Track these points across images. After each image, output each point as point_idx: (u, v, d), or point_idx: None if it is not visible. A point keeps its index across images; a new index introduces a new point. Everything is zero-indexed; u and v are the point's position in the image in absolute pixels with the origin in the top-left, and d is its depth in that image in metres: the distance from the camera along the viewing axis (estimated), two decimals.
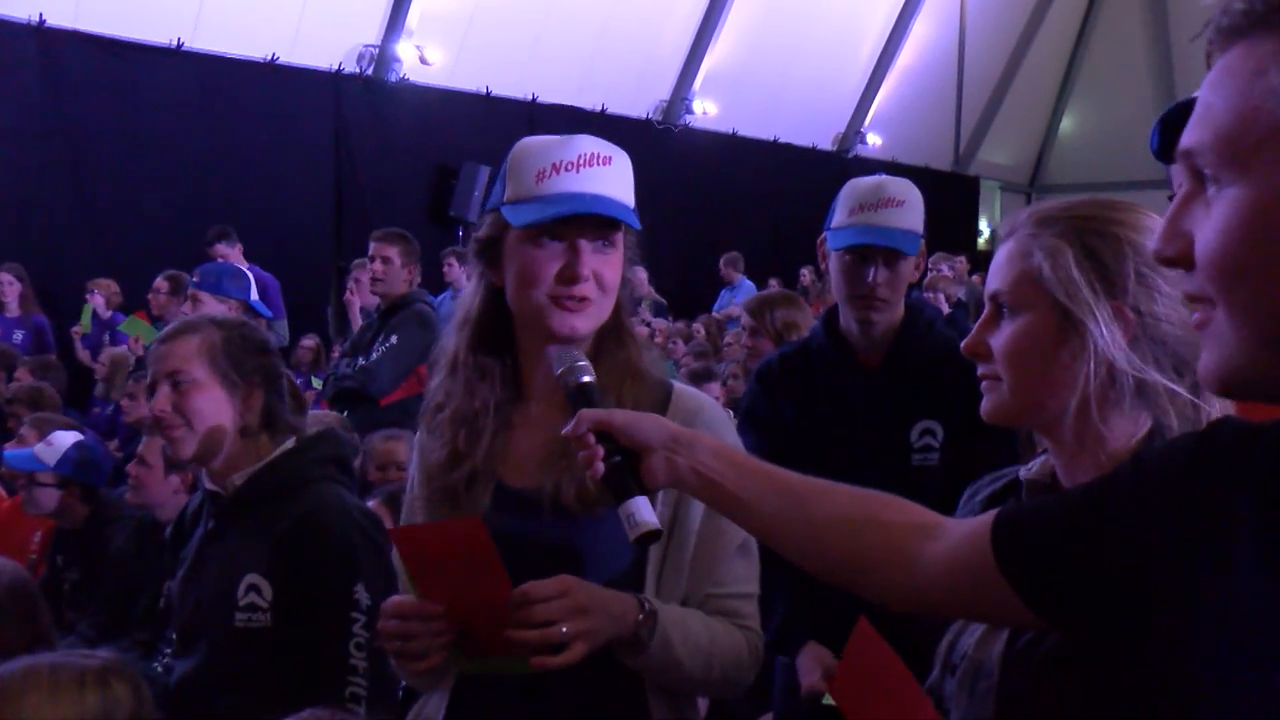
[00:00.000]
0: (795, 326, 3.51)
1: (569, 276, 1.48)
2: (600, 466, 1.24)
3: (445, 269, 7.80)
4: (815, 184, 13.94)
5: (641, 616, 1.42)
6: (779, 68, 13.37)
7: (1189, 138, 0.79)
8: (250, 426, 2.05)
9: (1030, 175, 19.87)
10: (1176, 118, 1.76)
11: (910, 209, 2.22)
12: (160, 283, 6.05)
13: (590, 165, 1.49)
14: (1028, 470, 1.32)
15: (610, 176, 1.50)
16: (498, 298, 1.56)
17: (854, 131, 15.61)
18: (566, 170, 1.48)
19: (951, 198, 16.07)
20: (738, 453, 1.26)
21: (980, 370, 1.24)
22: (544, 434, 1.54)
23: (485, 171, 10.25)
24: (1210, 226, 0.77)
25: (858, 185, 2.26)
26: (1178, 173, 1.82)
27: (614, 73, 11.89)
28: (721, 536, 1.52)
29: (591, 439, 1.25)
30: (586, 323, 1.51)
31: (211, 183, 9.10)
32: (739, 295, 9.88)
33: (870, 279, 2.19)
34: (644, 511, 1.24)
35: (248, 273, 4.36)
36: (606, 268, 1.52)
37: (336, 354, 7.50)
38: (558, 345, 1.41)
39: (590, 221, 1.48)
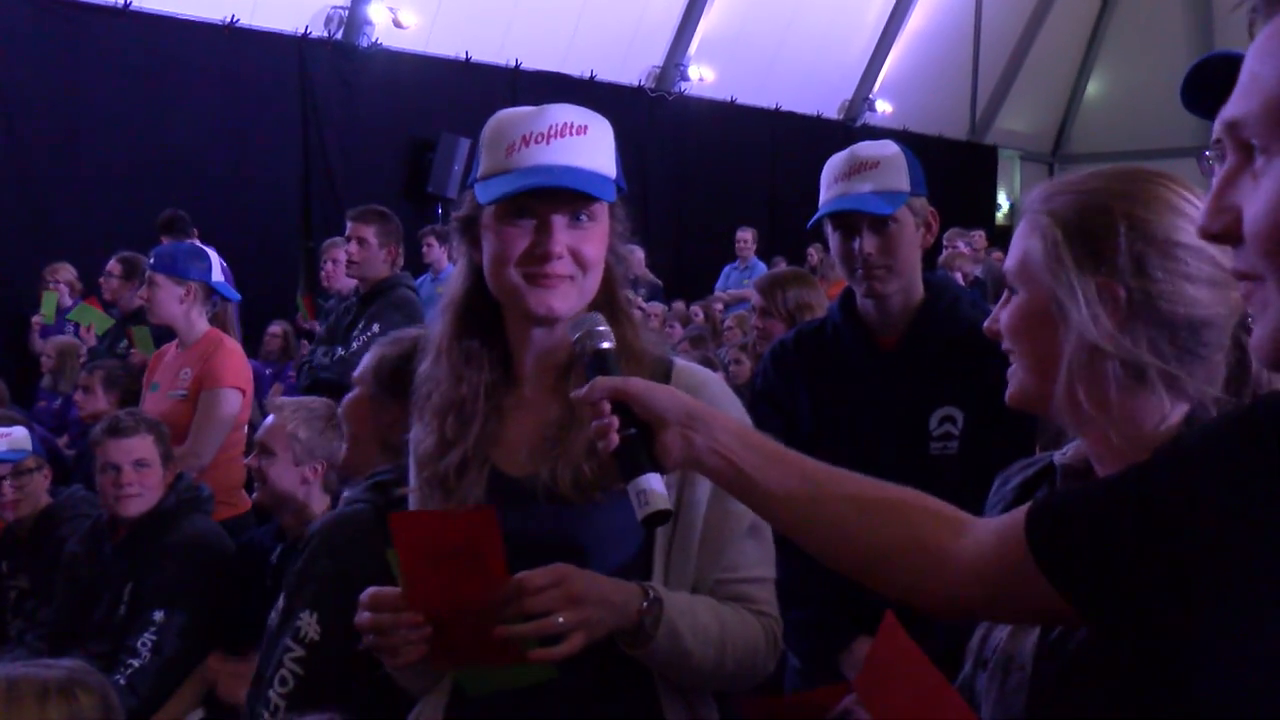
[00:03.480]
0: (808, 307, 3.54)
1: (540, 254, 1.50)
2: (615, 438, 1.25)
3: (424, 249, 7.78)
4: (820, 156, 13.66)
5: (645, 605, 1.45)
6: (780, 30, 13.37)
7: (1234, 108, 0.81)
8: None
9: (1053, 144, 19.89)
10: (1213, 68, 1.79)
11: (886, 169, 2.24)
12: (113, 266, 6.03)
13: (563, 135, 1.50)
14: (1062, 455, 1.35)
15: (584, 146, 1.52)
16: (481, 278, 1.59)
17: (862, 98, 15.61)
18: (536, 142, 1.50)
19: (968, 169, 16.12)
20: (756, 434, 1.27)
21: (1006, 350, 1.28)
22: (536, 419, 1.57)
23: (465, 144, 10.22)
24: (1260, 199, 0.78)
25: (834, 159, 2.32)
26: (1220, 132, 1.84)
27: (603, 37, 11.86)
28: (730, 518, 1.54)
29: (607, 407, 1.27)
30: (565, 302, 1.53)
31: (165, 158, 8.98)
32: (751, 275, 9.90)
33: (858, 248, 2.22)
34: (656, 489, 1.25)
35: (209, 251, 4.33)
36: (585, 243, 1.53)
37: (305, 343, 7.50)
38: (581, 314, 1.44)
39: (563, 195, 1.49)
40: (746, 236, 10.38)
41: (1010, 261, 1.26)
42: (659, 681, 1.54)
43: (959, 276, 7.78)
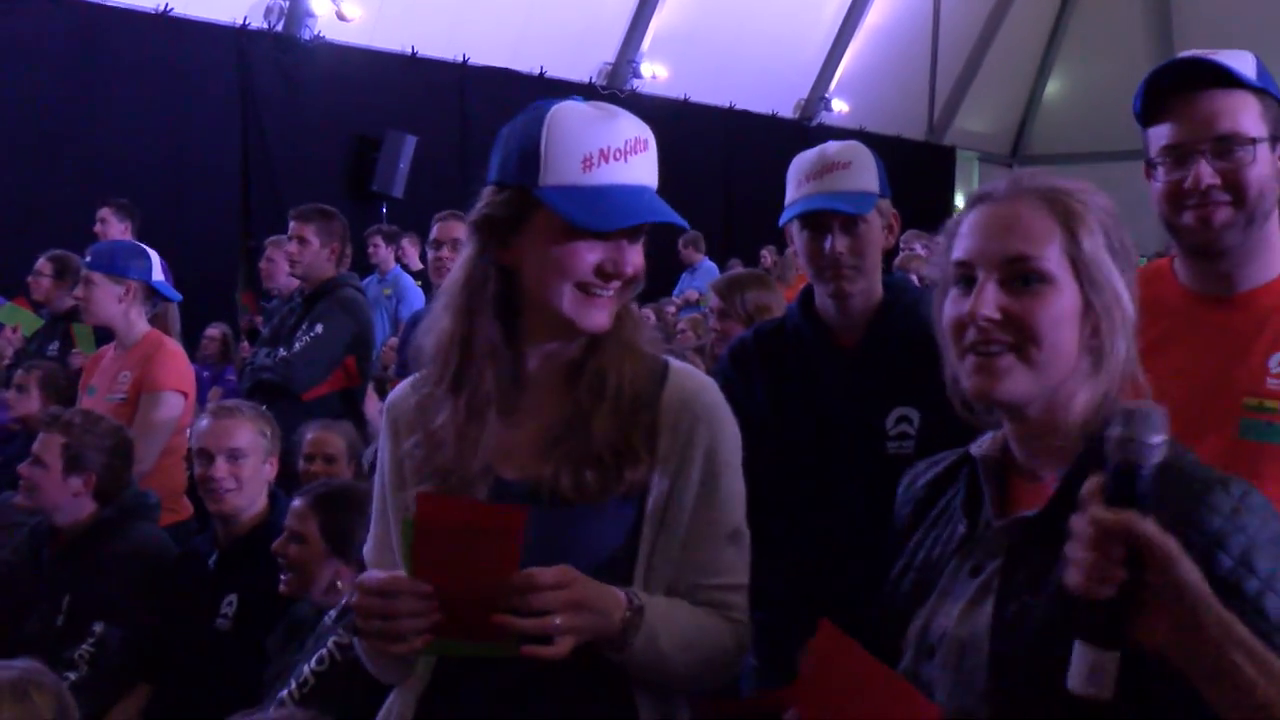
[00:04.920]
0: (766, 309, 3.63)
1: (611, 272, 1.55)
2: (1106, 591, 1.10)
3: (370, 250, 7.79)
4: (775, 155, 13.80)
5: (629, 614, 1.50)
6: (735, 27, 13.46)
7: None
8: None
9: (1012, 145, 20.19)
10: (1166, 76, 1.89)
11: (858, 170, 2.34)
12: (43, 264, 5.97)
13: (635, 152, 1.55)
14: (979, 447, 1.45)
15: (650, 163, 1.58)
16: (508, 280, 1.61)
17: (818, 97, 15.77)
18: (615, 159, 1.53)
19: (925, 170, 16.30)
20: (1257, 644, 1.11)
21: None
22: (538, 423, 1.61)
23: (411, 141, 10.22)
24: None
25: (802, 157, 2.40)
26: (1158, 136, 1.94)
27: (553, 32, 11.91)
28: (714, 525, 1.60)
29: (1120, 552, 1.10)
30: (610, 319, 1.59)
31: (95, 152, 8.87)
32: (699, 278, 9.99)
33: (829, 247, 2.30)
34: (1112, 672, 1.11)
35: (149, 250, 4.33)
36: (640, 258, 1.59)
37: (246, 344, 7.47)
38: (1130, 403, 1.18)
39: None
40: (679, 244, 10.53)
41: (1051, 258, 1.33)
42: (635, 681, 1.59)
43: (915, 279, 7.91)
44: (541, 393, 1.63)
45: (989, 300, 1.32)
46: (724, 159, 13.72)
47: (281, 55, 10.32)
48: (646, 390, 1.62)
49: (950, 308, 1.38)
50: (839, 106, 15.89)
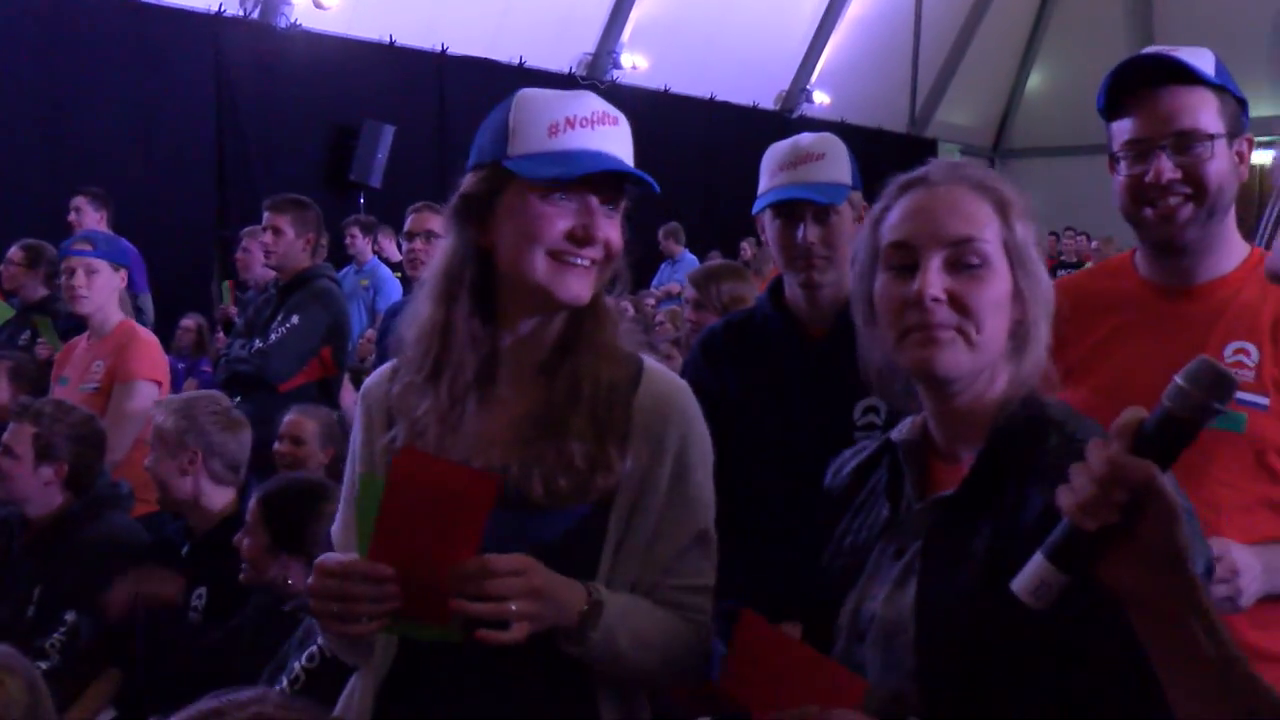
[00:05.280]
0: (741, 300, 3.67)
1: (582, 236, 1.56)
2: (1090, 524, 1.07)
3: (347, 241, 7.78)
4: (756, 147, 13.73)
5: (587, 607, 1.52)
6: (716, 17, 13.50)
7: None
8: None
9: (994, 138, 20.30)
10: (1128, 73, 1.94)
11: (832, 161, 2.39)
12: (15, 253, 5.96)
13: (603, 124, 1.58)
14: (899, 432, 1.51)
15: (620, 138, 1.60)
16: (484, 260, 1.63)
17: (799, 89, 15.82)
18: (581, 125, 1.56)
19: (906, 162, 16.02)
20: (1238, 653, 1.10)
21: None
22: (509, 413, 1.62)
23: (389, 131, 10.21)
24: None
25: (775, 148, 2.44)
26: (1120, 131, 1.99)
27: (533, 22, 11.92)
28: (680, 526, 1.62)
29: (1121, 497, 1.06)
30: (588, 290, 1.59)
31: (68, 140, 8.84)
32: (680, 270, 10.02)
33: (801, 237, 2.34)
34: (1055, 588, 1.11)
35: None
36: (615, 232, 1.61)
37: (222, 335, 7.46)
38: (1213, 361, 1.09)
39: (606, 183, 1.57)
40: (660, 234, 10.54)
41: (991, 242, 1.39)
42: (598, 679, 1.60)
43: None
44: (515, 381, 1.64)
45: (936, 281, 1.36)
46: (704, 150, 13.74)
47: (257, 43, 10.28)
48: (621, 392, 1.63)
49: (889, 289, 1.41)
50: (820, 98, 15.95)
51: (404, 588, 1.46)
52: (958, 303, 1.37)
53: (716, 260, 4.96)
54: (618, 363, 1.65)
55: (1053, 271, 1.97)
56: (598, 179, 1.55)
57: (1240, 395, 1.87)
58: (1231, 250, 1.99)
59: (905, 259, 1.40)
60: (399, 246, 8.67)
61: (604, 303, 1.67)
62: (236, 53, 10.14)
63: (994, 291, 1.39)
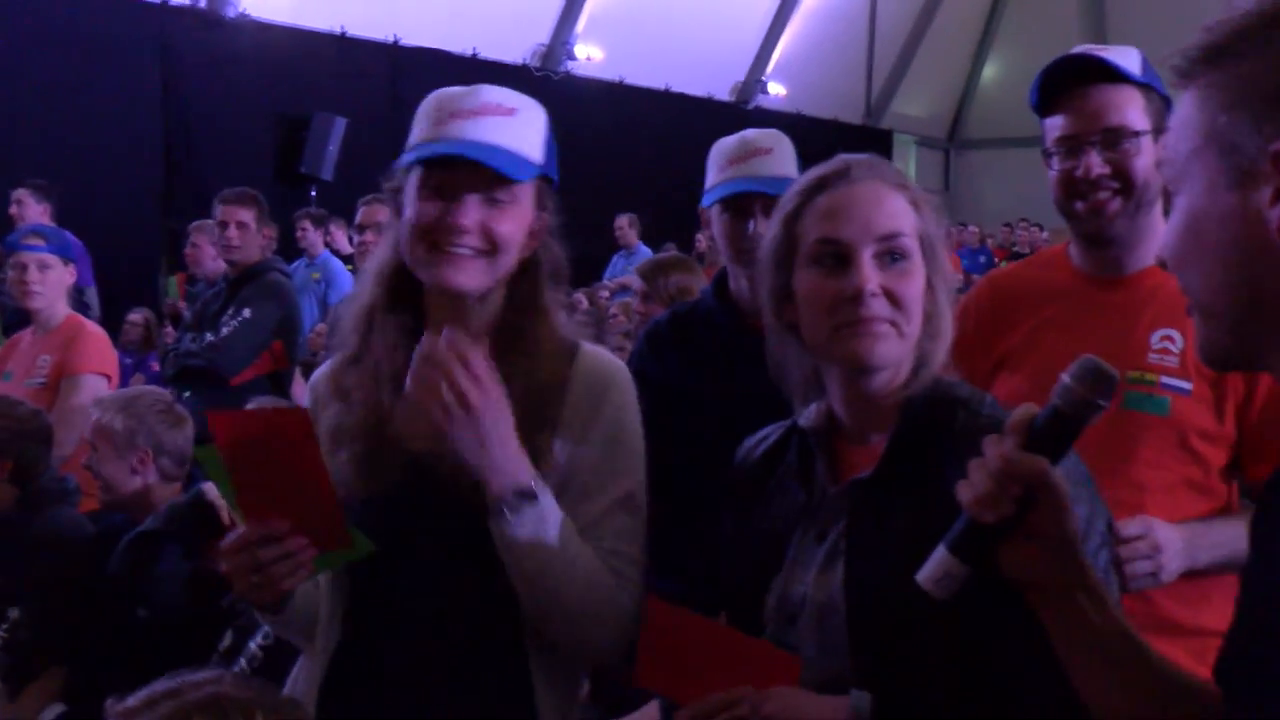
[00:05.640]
0: (689, 291, 3.72)
1: (446, 225, 1.61)
2: (988, 517, 1.13)
3: (298, 234, 7.76)
4: (711, 139, 13.88)
5: (531, 483, 1.55)
6: (671, 9, 13.57)
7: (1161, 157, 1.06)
8: None
9: (949, 129, 20.52)
10: (1058, 72, 2.03)
11: (780, 156, 2.46)
12: None
13: (492, 114, 1.64)
14: (806, 419, 1.56)
15: (508, 127, 1.64)
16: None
17: (754, 80, 15.92)
18: (464, 118, 1.63)
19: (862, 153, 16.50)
20: (1125, 625, 1.19)
21: None
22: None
23: (341, 124, 10.16)
24: (1167, 231, 1.06)
25: (722, 144, 2.51)
26: (1052, 128, 2.08)
27: (487, 13, 11.93)
28: (607, 488, 1.66)
29: (1015, 491, 1.13)
30: (469, 279, 1.64)
31: (9, 132, 8.72)
32: (635, 262, 10.07)
33: (751, 230, 2.40)
34: (956, 579, 1.17)
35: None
36: (499, 222, 1.63)
37: (170, 329, 7.44)
38: (1096, 359, 1.15)
39: (481, 171, 1.61)
40: (623, 223, 10.54)
41: (912, 236, 1.48)
42: (531, 657, 1.64)
43: None
44: None
45: (873, 276, 1.42)
46: (659, 142, 13.76)
47: (205, 33, 10.23)
48: (555, 388, 1.68)
49: (819, 284, 1.45)
50: (776, 90, 16.05)
51: (294, 530, 1.53)
52: (891, 296, 1.43)
53: (665, 253, 5.01)
54: (552, 359, 1.69)
55: (1006, 262, 2.04)
56: (472, 170, 1.60)
57: (1165, 380, 1.97)
58: (1158, 241, 2.06)
59: (835, 254, 1.45)
60: (350, 239, 8.69)
61: (541, 300, 1.71)
62: (183, 43, 10.08)
63: (917, 282, 1.46)
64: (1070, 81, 2.03)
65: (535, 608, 1.61)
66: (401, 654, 1.66)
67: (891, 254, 1.45)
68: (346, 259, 7.93)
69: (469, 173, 1.61)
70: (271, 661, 2.47)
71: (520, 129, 1.66)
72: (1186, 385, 1.96)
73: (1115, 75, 2.00)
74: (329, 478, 1.52)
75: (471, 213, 1.61)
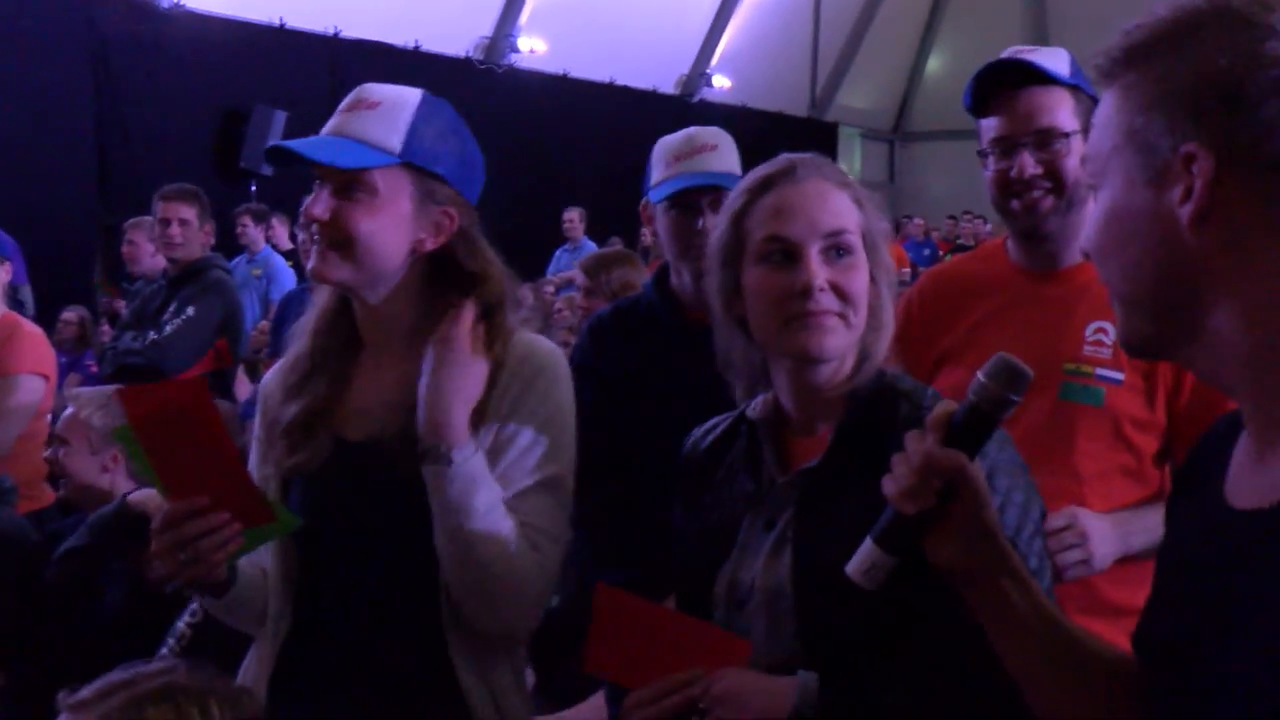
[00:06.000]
0: (631, 286, 3.79)
1: (307, 217, 1.69)
2: (910, 509, 1.20)
3: (239, 230, 7.72)
4: (657, 132, 13.86)
5: (465, 441, 1.62)
6: (615, 1, 13.55)
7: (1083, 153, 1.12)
8: None
9: (894, 121, 20.71)
10: (990, 75, 2.11)
11: (725, 152, 2.53)
12: None
13: (357, 108, 1.71)
14: (754, 410, 1.63)
15: (363, 120, 1.69)
16: None
17: (699, 73, 15.98)
18: (339, 115, 1.71)
19: (808, 146, 15.96)
20: (1048, 604, 1.26)
21: None
22: (379, 383, 1.75)
23: (281, 117, 10.11)
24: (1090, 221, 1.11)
25: (667, 140, 2.58)
26: (987, 129, 2.16)
27: (430, 5, 11.87)
28: (531, 468, 1.71)
29: (936, 484, 1.19)
30: (330, 271, 1.69)
31: None
32: (581, 256, 10.11)
33: (700, 226, 2.46)
34: (883, 570, 1.23)
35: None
36: (351, 213, 1.67)
37: (107, 328, 7.37)
38: (1009, 357, 1.22)
39: (325, 168, 1.67)
40: (573, 216, 10.57)
41: (856, 233, 1.55)
42: (450, 642, 1.69)
43: None
44: (379, 356, 1.77)
45: (820, 271, 1.49)
46: (604, 135, 13.78)
47: (137, 22, 10.05)
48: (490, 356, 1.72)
49: (768, 279, 1.52)
50: (720, 82, 16.12)
51: (217, 506, 1.57)
52: (838, 290, 1.50)
53: (607, 248, 5.06)
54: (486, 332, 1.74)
55: (950, 255, 2.11)
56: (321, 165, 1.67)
57: (1100, 372, 2.06)
58: None
59: (783, 250, 1.51)
60: (294, 236, 8.65)
61: (466, 273, 1.75)
62: (115, 32, 9.88)
63: (862, 277, 1.53)
64: (1002, 84, 2.12)
65: (453, 570, 1.66)
66: (342, 640, 1.72)
67: (837, 249, 1.51)
68: (288, 254, 7.91)
69: (325, 167, 1.67)
70: (200, 639, 2.49)
71: (375, 121, 1.69)
72: (1119, 376, 2.05)
73: (1045, 78, 2.09)
74: (237, 452, 1.57)
75: (319, 205, 1.67)
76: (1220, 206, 0.99)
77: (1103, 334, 2.07)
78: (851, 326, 1.52)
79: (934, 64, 20.47)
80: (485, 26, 13.09)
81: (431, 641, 1.69)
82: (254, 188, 10.15)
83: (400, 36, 11.86)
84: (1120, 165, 1.06)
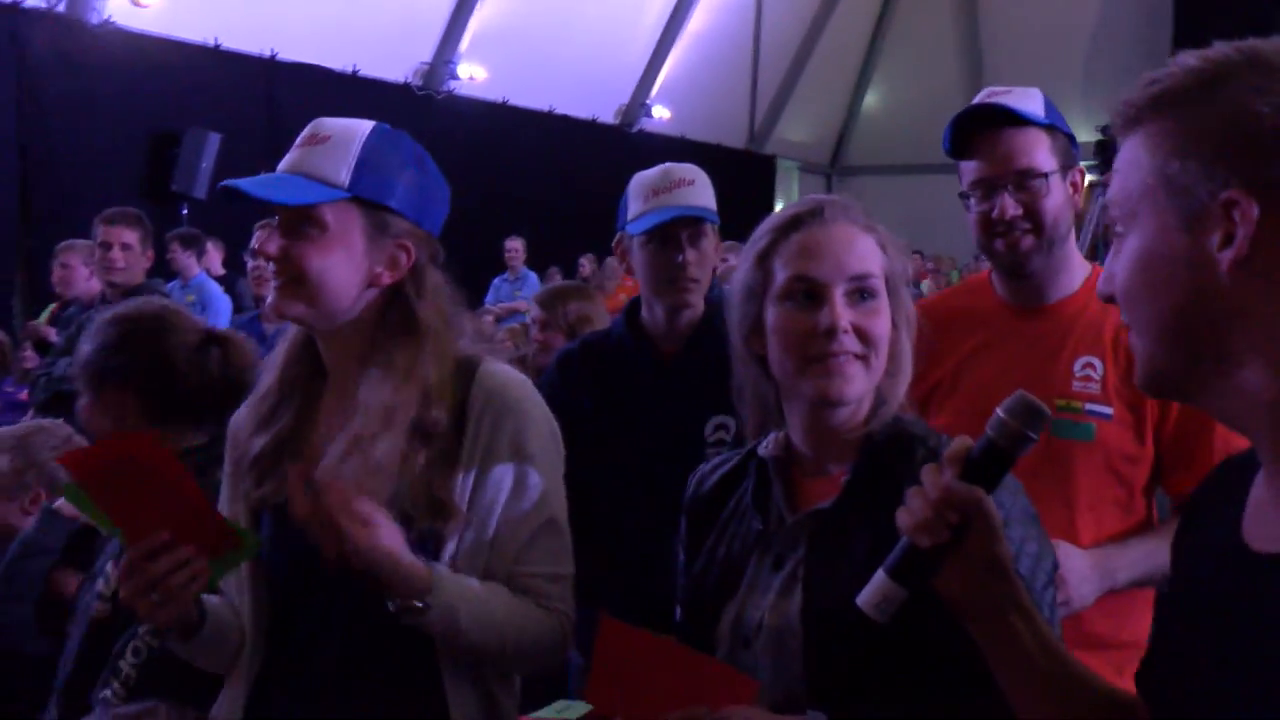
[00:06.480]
0: (589, 320, 3.83)
1: (260, 255, 1.72)
2: (925, 542, 1.22)
3: (169, 255, 7.61)
4: (596, 161, 14.10)
5: (425, 588, 1.61)
6: (556, 30, 13.61)
7: (1109, 193, 1.14)
8: None
9: (831, 155, 20.99)
10: (969, 119, 2.18)
11: (702, 187, 2.60)
12: None
13: (304, 145, 1.73)
14: (765, 448, 1.65)
15: (312, 156, 1.71)
16: None
17: (639, 103, 16.08)
18: (296, 147, 1.74)
19: (746, 179, 16.80)
20: (1056, 643, 1.29)
21: None
22: (342, 417, 1.75)
23: (215, 139, 9.99)
24: (1117, 268, 1.12)
25: (644, 176, 2.63)
26: (967, 171, 2.23)
27: (369, 29, 11.80)
28: (526, 516, 1.74)
29: (953, 518, 1.22)
30: (287, 307, 1.72)
31: None
32: (523, 286, 10.13)
33: (680, 259, 2.52)
34: (895, 602, 1.25)
35: None
36: (302, 250, 1.69)
37: (29, 353, 7.21)
38: (1029, 396, 1.26)
39: (284, 206, 1.69)
40: (516, 246, 10.57)
41: (880, 276, 1.60)
42: (445, 673, 1.71)
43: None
44: (344, 386, 1.77)
45: (845, 314, 1.53)
46: (543, 164, 13.82)
47: (65, 40, 9.82)
48: (453, 391, 1.74)
49: (791, 319, 1.55)
50: (660, 113, 16.23)
51: (179, 541, 1.58)
52: (861, 333, 1.53)
53: (560, 280, 5.08)
54: (447, 365, 1.75)
55: None
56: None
57: (1089, 407, 2.13)
58: (1074, 271, 2.25)
59: (808, 291, 1.54)
60: (227, 260, 8.56)
61: (419, 327, 1.76)
62: (40, 50, 9.65)
63: (885, 320, 1.56)
64: (980, 127, 2.19)
65: (460, 658, 1.71)
66: (318, 674, 1.72)
67: (861, 293, 1.55)
68: (223, 280, 7.83)
69: (277, 205, 1.70)
70: (147, 680, 2.45)
71: (323, 156, 1.71)
72: (1108, 410, 2.12)
73: (1021, 120, 2.16)
74: (194, 483, 1.57)
75: (271, 243, 1.71)
76: (1259, 251, 1.01)
77: (1090, 369, 2.15)
78: (871, 370, 1.55)
79: (871, 99, 20.80)
80: (425, 52, 13.07)
81: (418, 670, 1.70)
82: (185, 211, 10.01)
83: (338, 61, 11.80)
84: (1152, 210, 1.07)
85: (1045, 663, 1.24)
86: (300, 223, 1.68)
